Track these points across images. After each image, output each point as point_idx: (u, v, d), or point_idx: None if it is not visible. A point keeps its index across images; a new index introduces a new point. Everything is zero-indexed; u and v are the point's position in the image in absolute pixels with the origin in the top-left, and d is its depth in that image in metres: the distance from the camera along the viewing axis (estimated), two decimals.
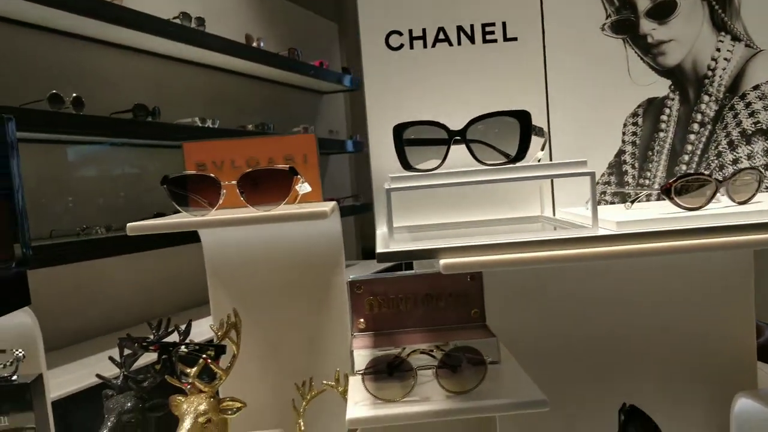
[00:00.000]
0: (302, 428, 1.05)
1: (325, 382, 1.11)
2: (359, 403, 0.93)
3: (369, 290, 1.14)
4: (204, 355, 0.99)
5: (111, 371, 1.82)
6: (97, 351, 2.20)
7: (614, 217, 0.88)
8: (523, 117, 0.90)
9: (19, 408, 1.04)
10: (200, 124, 2.93)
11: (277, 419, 1.23)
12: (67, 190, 2.49)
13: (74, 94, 2.22)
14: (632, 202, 1.02)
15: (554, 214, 1.16)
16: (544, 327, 1.22)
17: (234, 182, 0.94)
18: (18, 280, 1.16)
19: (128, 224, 0.98)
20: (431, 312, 1.14)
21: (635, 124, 1.16)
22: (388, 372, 0.94)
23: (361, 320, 1.14)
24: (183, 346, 1.00)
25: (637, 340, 1.22)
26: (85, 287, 2.47)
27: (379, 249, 0.85)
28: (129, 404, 0.99)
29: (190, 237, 2.75)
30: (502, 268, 0.82)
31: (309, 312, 1.27)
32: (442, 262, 0.81)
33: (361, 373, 0.94)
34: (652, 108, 1.17)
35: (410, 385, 0.93)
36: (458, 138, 0.92)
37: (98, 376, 1.03)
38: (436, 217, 1.16)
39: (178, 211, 0.98)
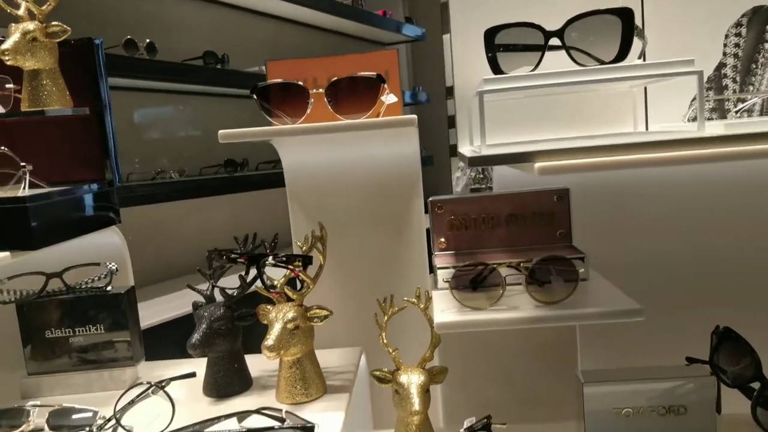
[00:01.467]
0: (385, 341, 1.06)
1: (406, 299, 1.11)
2: (446, 311, 0.92)
3: (450, 210, 1.12)
4: (291, 266, 1.00)
5: (181, 311, 1.89)
6: (168, 292, 2.26)
7: (718, 127, 0.83)
8: (625, 15, 0.85)
9: (113, 317, 1.08)
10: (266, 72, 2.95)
11: (354, 339, 1.25)
12: (141, 136, 2.55)
13: (147, 40, 2.26)
14: (738, 111, 0.97)
15: (647, 130, 1.11)
16: (632, 249, 1.18)
17: (322, 90, 0.93)
18: (108, 199, 1.20)
19: (220, 132, 0.99)
20: (514, 232, 1.12)
21: (738, 35, 1.09)
22: (476, 282, 0.93)
23: (442, 240, 1.13)
24: (270, 258, 1.02)
25: (731, 260, 1.17)
26: (158, 230, 2.55)
27: (468, 154, 0.83)
28: (219, 313, 1.01)
29: (261, 184, 2.79)
30: (602, 170, 0.79)
31: (387, 234, 1.27)
32: (537, 165, 0.79)
33: (450, 283, 0.93)
34: (758, 17, 1.09)
35: (498, 294, 0.92)
36: (554, 40, 0.88)
37: (189, 286, 1.06)
38: (523, 134, 1.13)
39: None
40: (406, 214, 1.26)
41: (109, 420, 0.82)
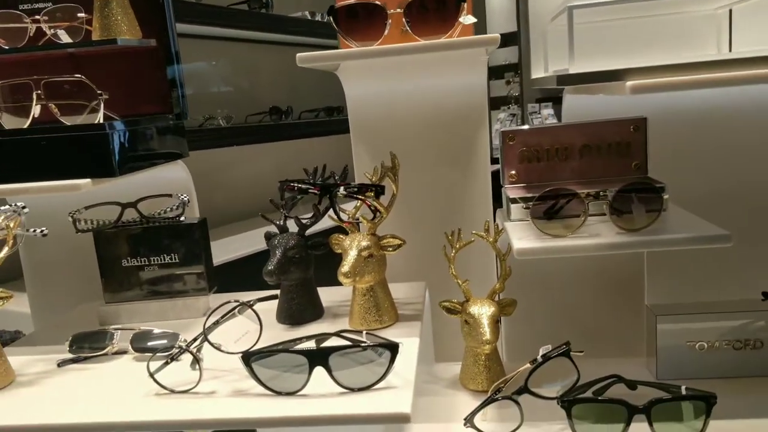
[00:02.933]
0: (455, 272, 1.06)
1: (474, 232, 1.10)
2: (524, 239, 0.91)
3: (522, 141, 1.10)
4: (363, 196, 1.00)
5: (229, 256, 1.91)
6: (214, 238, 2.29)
7: None
8: None
9: (187, 247, 1.10)
10: (310, 18, 2.91)
11: (417, 275, 1.25)
12: (186, 83, 2.56)
13: None
14: None
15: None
16: (708, 183, 1.15)
17: (400, 10, 0.91)
18: (178, 132, 1.21)
19: (298, 55, 0.97)
20: (587, 164, 1.09)
21: None
22: (557, 210, 0.92)
23: (513, 172, 1.11)
24: (342, 188, 1.01)
25: None
26: (205, 177, 2.56)
27: (556, 69, 0.80)
28: (293, 241, 1.02)
29: (310, 131, 2.77)
30: (693, 89, 0.76)
31: (451, 169, 1.26)
32: (629, 83, 0.76)
33: (530, 211, 0.92)
34: None
35: (579, 222, 0.91)
36: None
37: (263, 215, 1.06)
38: (600, 64, 1.10)
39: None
40: (472, 147, 1.25)
41: (197, 338, 0.84)
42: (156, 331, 0.99)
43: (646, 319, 1.08)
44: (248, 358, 0.80)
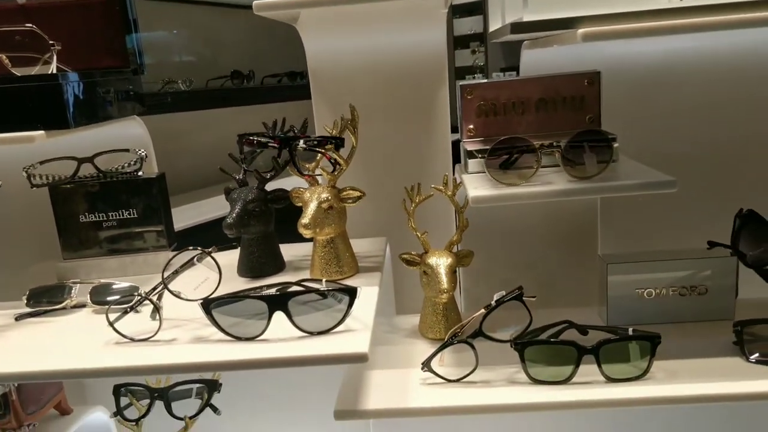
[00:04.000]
0: (414, 225, 1.08)
1: (433, 186, 1.12)
2: (480, 188, 0.94)
3: (480, 95, 1.12)
4: (324, 149, 1.01)
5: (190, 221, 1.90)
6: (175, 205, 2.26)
7: None
8: None
9: (146, 202, 1.09)
10: None
11: (379, 230, 1.27)
12: (145, 47, 2.50)
13: None
14: None
15: None
16: (658, 136, 1.19)
17: None
18: (134, 87, 1.19)
19: (255, 2, 0.96)
20: (543, 118, 1.11)
21: None
22: (511, 160, 0.94)
23: (471, 126, 1.13)
24: (302, 141, 1.02)
25: (760, 148, 1.18)
26: (165, 142, 2.52)
27: (511, 20, 0.82)
28: (252, 195, 1.02)
29: (272, 96, 2.73)
30: (646, 36, 0.78)
31: (411, 124, 1.27)
32: (581, 31, 0.78)
33: (485, 162, 0.94)
34: None
35: (532, 171, 0.93)
36: None
37: (221, 169, 1.06)
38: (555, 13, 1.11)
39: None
40: (432, 102, 1.26)
41: (156, 287, 0.84)
42: (115, 284, 0.99)
43: (599, 268, 1.12)
44: (208, 304, 0.81)
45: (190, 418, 0.99)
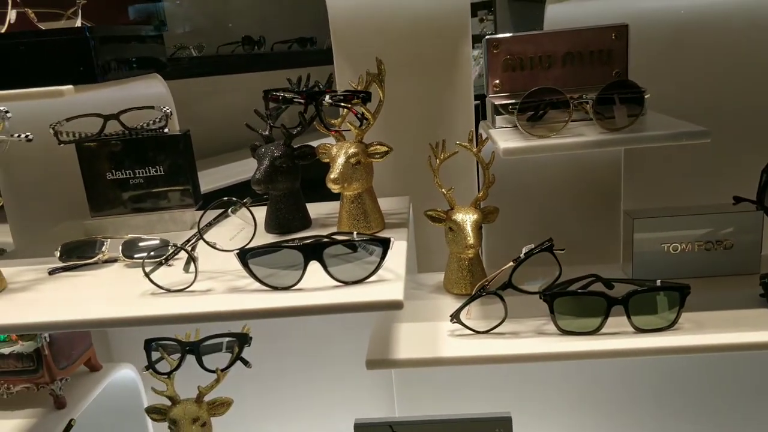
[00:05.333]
0: (439, 182, 1.08)
1: (458, 142, 1.12)
2: (509, 141, 0.93)
3: (506, 49, 1.11)
4: (350, 103, 1.00)
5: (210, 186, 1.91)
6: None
7: None
8: None
9: (173, 159, 1.09)
10: None
11: (400, 189, 1.27)
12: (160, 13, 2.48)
13: None
14: None
15: None
16: (685, 88, 1.18)
17: None
18: (158, 42, 1.18)
19: None
20: (569, 72, 1.11)
21: None
22: (541, 112, 0.93)
23: (497, 81, 1.12)
24: (328, 96, 1.01)
25: None
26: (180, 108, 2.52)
27: None
28: (279, 151, 1.02)
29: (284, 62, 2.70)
30: None
31: (435, 81, 1.26)
32: None
33: (515, 114, 0.93)
34: None
35: (562, 124, 0.93)
36: None
37: (247, 125, 1.06)
38: None
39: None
40: (454, 59, 1.25)
41: (191, 239, 0.85)
42: (146, 238, 0.99)
43: (623, 224, 1.12)
44: (244, 255, 0.81)
45: (222, 370, 1.00)
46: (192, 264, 0.83)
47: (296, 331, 1.27)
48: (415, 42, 1.25)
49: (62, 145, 1.07)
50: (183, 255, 0.86)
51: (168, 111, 1.10)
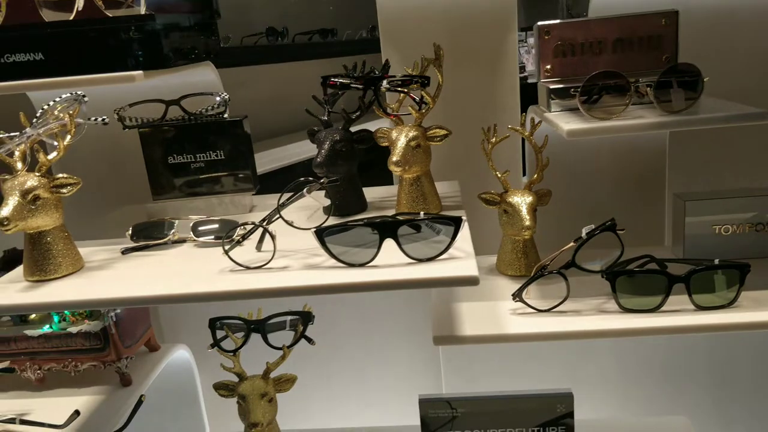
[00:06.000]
0: (493, 165, 1.10)
1: (510, 126, 1.14)
2: (571, 122, 0.96)
3: (557, 35, 1.13)
4: (407, 88, 1.03)
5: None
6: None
7: None
8: None
9: (233, 143, 1.12)
10: None
11: (447, 174, 1.29)
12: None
13: None
14: None
15: None
16: (733, 74, 1.19)
17: None
18: (214, 30, 1.21)
19: None
20: (620, 58, 1.13)
21: None
22: (601, 93, 0.96)
23: (548, 66, 1.15)
24: (385, 81, 1.04)
25: None
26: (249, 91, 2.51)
27: None
28: (339, 135, 1.05)
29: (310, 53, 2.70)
30: None
31: (481, 69, 1.28)
32: None
33: (577, 96, 0.96)
34: None
35: (624, 105, 0.95)
36: None
37: (307, 111, 1.09)
38: None
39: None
40: (501, 48, 1.27)
41: (268, 217, 0.88)
42: (213, 219, 1.02)
43: (673, 207, 1.15)
44: (321, 233, 0.84)
45: (288, 347, 1.03)
46: (270, 242, 0.86)
47: (353, 311, 1.30)
48: (462, 29, 1.27)
49: (126, 129, 1.10)
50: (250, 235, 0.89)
51: (227, 97, 1.13)
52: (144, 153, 1.12)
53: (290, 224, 0.89)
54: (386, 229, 0.83)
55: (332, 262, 0.86)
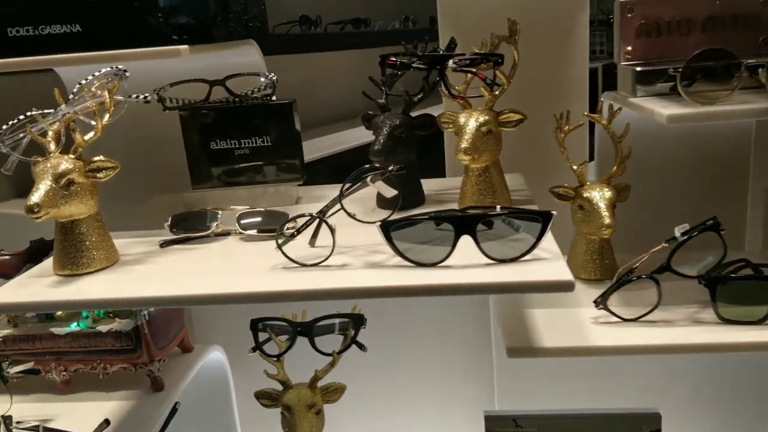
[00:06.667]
0: (567, 156, 0.99)
1: (586, 113, 1.03)
2: (669, 107, 0.85)
3: (641, 13, 1.02)
4: (476, 68, 0.92)
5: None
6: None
7: None
8: None
9: (281, 129, 1.02)
10: None
11: (517, 166, 1.19)
12: None
13: None
14: None
15: None
16: None
17: None
18: (260, 10, 1.11)
19: None
20: (711, 38, 1.01)
21: None
22: (705, 74, 0.84)
23: (629, 48, 1.04)
24: (451, 61, 0.93)
25: None
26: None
27: None
28: (398, 120, 0.95)
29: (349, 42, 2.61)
30: None
31: (547, 53, 1.18)
32: None
33: (677, 79, 0.84)
34: None
35: (731, 88, 0.84)
36: None
37: (364, 93, 0.99)
38: None
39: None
40: (570, 31, 1.16)
41: (325, 209, 0.78)
42: (262, 210, 0.93)
43: (765, 204, 1.03)
44: (388, 227, 0.74)
45: (338, 353, 0.93)
46: (328, 236, 0.76)
47: (405, 314, 1.20)
48: (528, 9, 1.16)
49: (166, 111, 1.00)
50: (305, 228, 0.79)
51: (274, 78, 1.03)
52: (184, 137, 1.03)
53: (352, 216, 0.78)
54: (464, 224, 0.73)
55: (396, 260, 0.76)
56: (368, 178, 0.79)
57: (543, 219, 0.73)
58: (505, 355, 0.82)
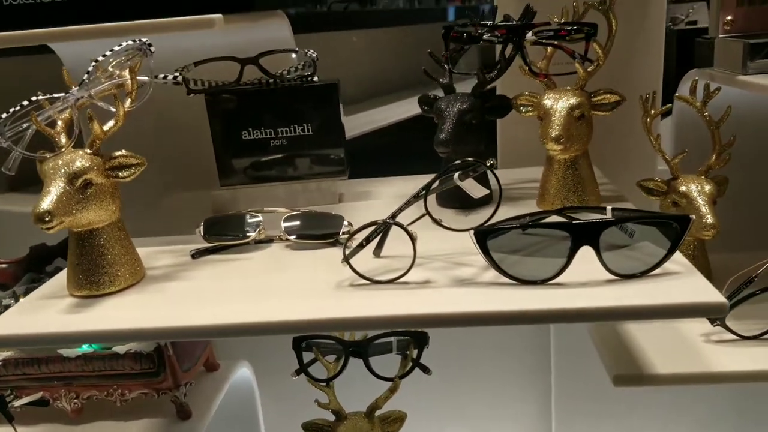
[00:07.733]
0: (656, 144, 0.85)
1: (677, 95, 0.89)
2: None
3: None
4: (563, 41, 0.78)
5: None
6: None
7: None
8: None
9: (324, 115, 0.88)
10: None
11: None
12: None
13: None
14: None
15: None
16: None
17: None
18: None
19: None
20: None
21: None
22: None
23: (729, 18, 0.89)
24: (531, 33, 0.79)
25: None
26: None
27: None
28: (468, 103, 0.80)
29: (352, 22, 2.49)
30: None
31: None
32: None
33: None
34: None
35: None
36: None
37: (425, 71, 0.84)
38: None
39: None
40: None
41: (396, 213, 0.63)
42: (310, 211, 0.78)
43: None
44: (484, 235, 0.59)
45: (401, 377, 0.79)
46: (409, 245, 0.62)
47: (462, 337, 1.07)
48: None
49: (191, 95, 0.85)
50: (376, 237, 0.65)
51: (314, 55, 0.88)
52: (211, 126, 0.88)
53: (438, 223, 0.64)
54: (587, 232, 0.58)
55: (489, 275, 0.62)
56: (456, 176, 0.64)
57: (680, 224, 0.59)
58: (563, 376, 0.69)
